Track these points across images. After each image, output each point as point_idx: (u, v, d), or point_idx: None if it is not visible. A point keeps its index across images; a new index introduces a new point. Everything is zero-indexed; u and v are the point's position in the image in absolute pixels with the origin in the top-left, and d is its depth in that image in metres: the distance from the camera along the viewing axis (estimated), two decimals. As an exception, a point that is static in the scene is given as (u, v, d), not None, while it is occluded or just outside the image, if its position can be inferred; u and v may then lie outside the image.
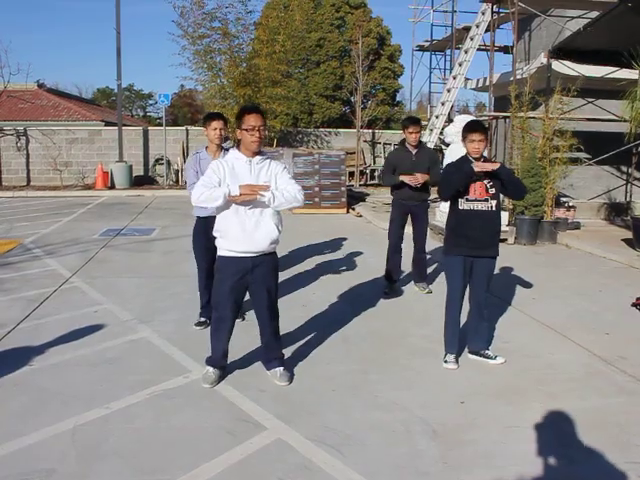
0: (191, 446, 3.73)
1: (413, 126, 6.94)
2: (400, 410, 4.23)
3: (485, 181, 4.91)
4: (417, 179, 6.88)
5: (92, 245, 10.16)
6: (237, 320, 4.88)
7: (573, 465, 3.59)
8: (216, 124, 5.62)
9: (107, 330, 5.82)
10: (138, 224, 12.81)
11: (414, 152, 7.00)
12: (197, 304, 6.10)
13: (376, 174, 22.54)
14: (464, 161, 4.95)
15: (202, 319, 5.93)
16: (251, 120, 4.27)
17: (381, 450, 3.72)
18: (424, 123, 19.24)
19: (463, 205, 4.96)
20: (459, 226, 4.98)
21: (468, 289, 5.12)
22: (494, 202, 4.95)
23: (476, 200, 4.93)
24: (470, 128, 4.90)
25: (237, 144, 4.51)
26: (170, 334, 5.73)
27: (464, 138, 4.92)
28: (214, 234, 4.51)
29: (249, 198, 4.24)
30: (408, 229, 7.39)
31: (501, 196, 5.11)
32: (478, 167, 4.81)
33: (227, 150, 5.47)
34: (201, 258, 5.84)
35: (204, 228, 5.62)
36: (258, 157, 4.41)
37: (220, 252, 4.51)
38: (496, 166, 4.84)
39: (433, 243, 10.28)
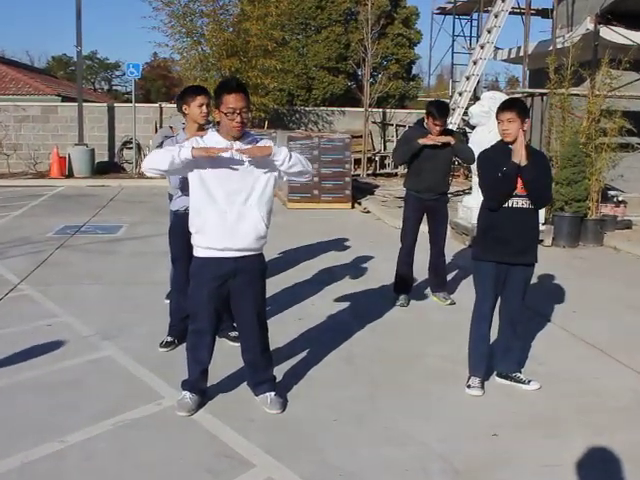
0: (163, 487, 3.72)
1: (441, 119, 6.85)
2: (415, 444, 4.23)
3: None
4: (436, 138, 6.85)
5: (46, 245, 10.16)
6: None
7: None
8: (202, 99, 5.59)
9: (63, 348, 5.81)
10: (102, 220, 12.80)
11: None
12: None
13: (387, 162, 22.55)
14: (502, 149, 4.91)
15: (169, 339, 5.90)
16: (230, 101, 4.26)
17: (391, 492, 3.72)
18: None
19: None
20: (494, 226, 4.95)
21: (499, 301, 5.12)
22: None
23: (516, 195, 4.89)
24: (500, 106, 4.94)
25: (217, 125, 4.51)
26: (139, 352, 5.72)
27: (497, 119, 4.93)
28: (189, 229, 4.52)
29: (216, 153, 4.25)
30: (423, 228, 7.40)
31: None
32: (520, 155, 4.80)
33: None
34: (182, 260, 5.80)
35: (184, 226, 5.58)
36: (241, 141, 4.40)
37: (196, 252, 4.51)
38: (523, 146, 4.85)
39: (455, 245, 10.29)
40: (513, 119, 4.82)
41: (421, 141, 6.86)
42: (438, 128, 6.88)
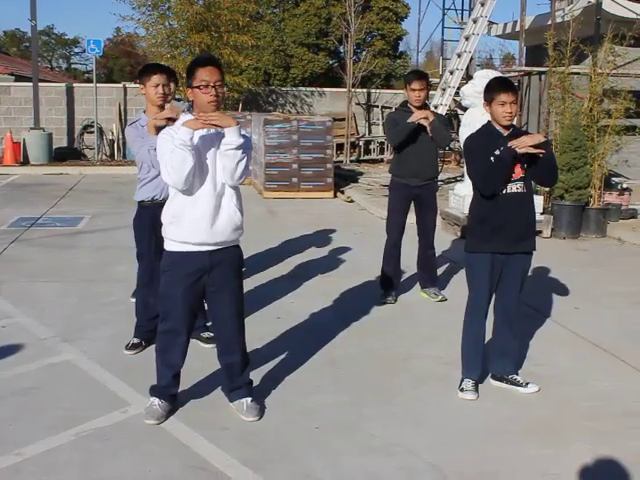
0: (130, 502, 3.72)
1: (418, 81, 6.92)
2: (403, 454, 4.24)
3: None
4: (425, 114, 6.86)
5: (-1, 239, 10.09)
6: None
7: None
8: (157, 79, 5.53)
9: (19, 352, 5.78)
10: (60, 212, 12.73)
11: None
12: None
13: (372, 147, 22.56)
14: (489, 133, 4.94)
15: (135, 340, 5.89)
16: (204, 74, 4.27)
17: (379, 506, 3.73)
18: (435, 81, 19.35)
19: None
20: (490, 215, 4.97)
21: (494, 297, 5.14)
22: (528, 180, 4.99)
23: (511, 180, 4.93)
24: (498, 86, 4.91)
25: (190, 107, 4.49)
26: (102, 356, 5.70)
27: (490, 100, 4.93)
28: (162, 219, 4.49)
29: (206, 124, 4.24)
30: (411, 218, 7.40)
31: None
32: (519, 145, 4.78)
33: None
34: (148, 255, 5.80)
35: (151, 218, 5.56)
36: None
37: (169, 246, 4.49)
38: (541, 138, 4.86)
39: (446, 237, 10.32)
40: (516, 101, 4.86)
41: (411, 118, 6.82)
42: (418, 93, 6.91)
